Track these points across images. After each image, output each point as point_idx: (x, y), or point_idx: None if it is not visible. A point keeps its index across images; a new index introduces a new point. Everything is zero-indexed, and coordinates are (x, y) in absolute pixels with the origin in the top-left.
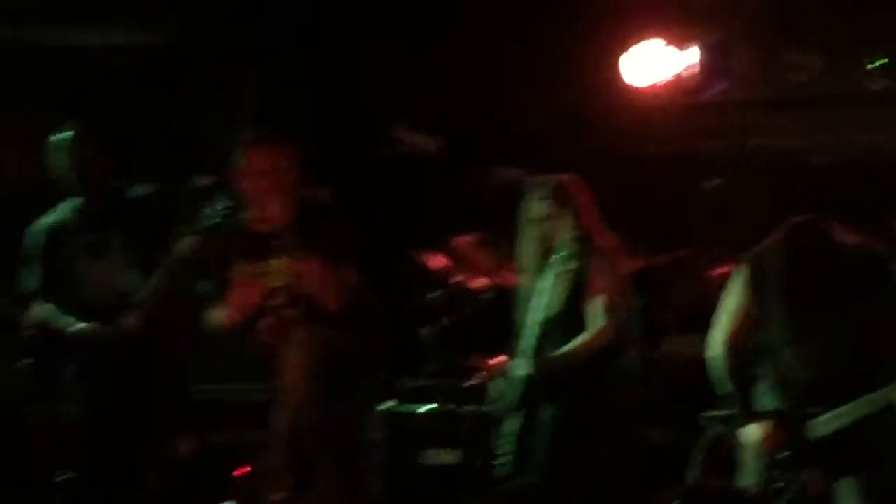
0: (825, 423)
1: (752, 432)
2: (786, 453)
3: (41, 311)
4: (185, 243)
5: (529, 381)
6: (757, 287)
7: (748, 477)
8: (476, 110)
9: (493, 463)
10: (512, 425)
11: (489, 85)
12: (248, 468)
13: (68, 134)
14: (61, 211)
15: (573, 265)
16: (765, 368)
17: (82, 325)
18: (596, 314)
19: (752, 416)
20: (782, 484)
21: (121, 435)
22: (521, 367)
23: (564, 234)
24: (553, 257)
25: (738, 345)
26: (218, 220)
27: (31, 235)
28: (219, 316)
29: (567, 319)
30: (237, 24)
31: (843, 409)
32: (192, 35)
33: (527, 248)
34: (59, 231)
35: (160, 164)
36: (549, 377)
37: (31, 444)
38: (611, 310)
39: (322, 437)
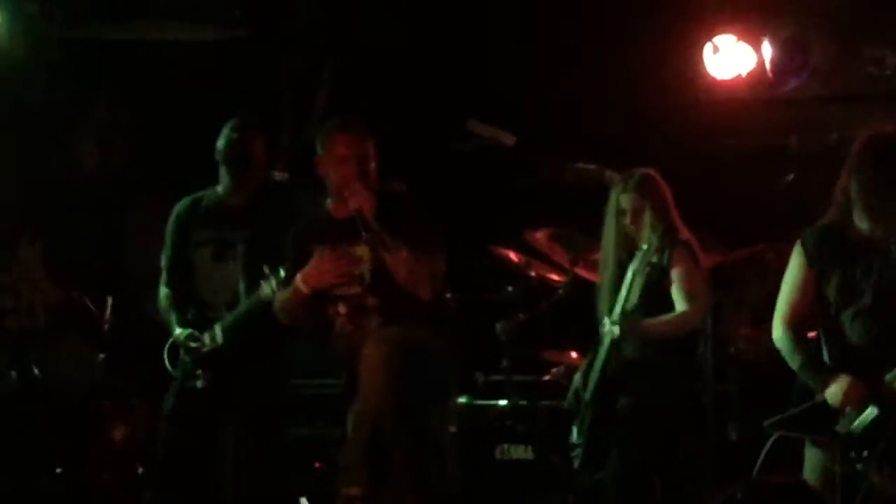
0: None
1: (834, 392)
2: (872, 409)
3: (163, 300)
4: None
5: (614, 343)
6: (812, 260)
7: (812, 471)
8: (554, 104)
9: (568, 458)
10: (586, 418)
11: (567, 79)
12: (324, 463)
13: (230, 123)
14: (203, 194)
15: (656, 258)
16: (827, 338)
17: (181, 332)
18: (679, 302)
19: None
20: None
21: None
22: (611, 329)
23: (647, 227)
24: (636, 251)
25: (800, 321)
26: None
27: (172, 214)
28: (287, 291)
29: (649, 311)
30: (312, 18)
31: None
32: (266, 29)
33: (609, 241)
34: (193, 214)
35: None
36: (637, 339)
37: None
38: (693, 298)
39: (397, 432)
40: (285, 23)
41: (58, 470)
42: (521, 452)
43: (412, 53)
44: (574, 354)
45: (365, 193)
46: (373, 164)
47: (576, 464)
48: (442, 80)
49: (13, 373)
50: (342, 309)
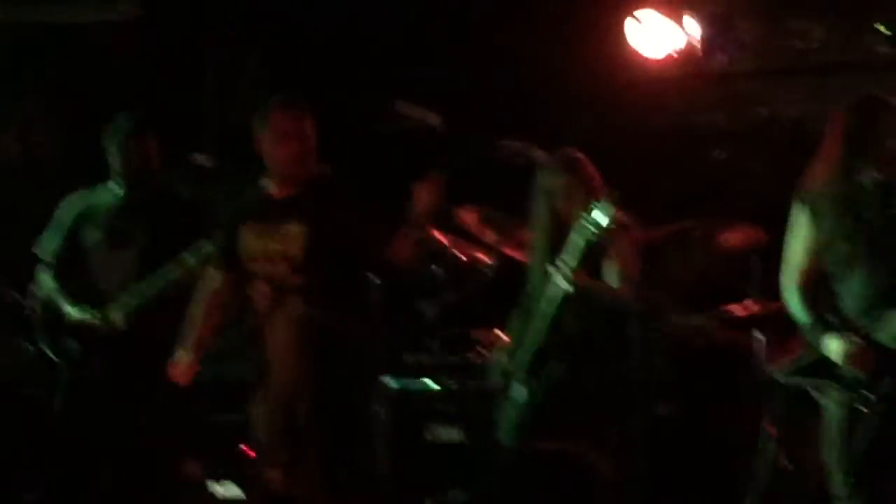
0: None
1: (835, 349)
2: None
3: (49, 284)
4: (187, 263)
5: (566, 298)
6: (811, 218)
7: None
8: (480, 83)
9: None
10: (518, 393)
11: (493, 58)
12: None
13: (117, 122)
14: (100, 191)
15: (594, 234)
16: (830, 297)
17: (76, 309)
18: (612, 279)
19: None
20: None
21: (116, 419)
22: (561, 283)
23: (578, 206)
24: (571, 228)
25: (810, 279)
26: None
27: (64, 205)
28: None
29: None
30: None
31: None
32: (192, 10)
33: (539, 222)
34: (89, 209)
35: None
36: (584, 296)
37: (28, 425)
38: (626, 277)
39: (314, 413)
40: (211, 3)
41: None
42: (450, 434)
43: (338, 34)
44: (503, 335)
45: (304, 170)
46: (313, 143)
47: (506, 441)
48: (368, 62)
49: None
50: (263, 287)
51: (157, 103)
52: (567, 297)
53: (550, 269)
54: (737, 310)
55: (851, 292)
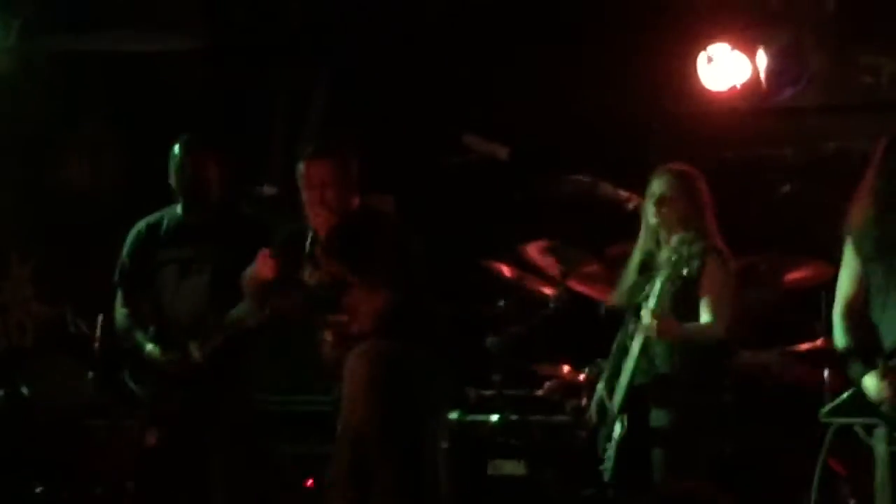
0: None
1: (872, 386)
2: None
3: (122, 319)
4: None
5: (646, 343)
6: (859, 250)
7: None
8: (549, 117)
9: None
10: (615, 430)
11: (562, 91)
12: (314, 480)
13: (175, 144)
14: (163, 214)
15: (686, 270)
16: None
17: (155, 348)
18: (705, 312)
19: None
20: None
21: (189, 454)
22: (647, 325)
23: (676, 221)
24: (662, 245)
25: (856, 310)
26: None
27: (130, 234)
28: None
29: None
30: (306, 30)
31: None
32: (261, 40)
33: (642, 227)
34: (153, 234)
35: (227, 171)
36: (667, 340)
37: (93, 457)
38: (720, 311)
39: (383, 448)
40: (280, 35)
41: (38, 490)
42: (513, 468)
43: (406, 66)
44: (566, 368)
45: (323, 216)
46: (332, 191)
47: (605, 477)
48: (437, 94)
49: (1, 392)
50: (328, 336)
51: (223, 133)
52: (645, 350)
53: (633, 317)
54: (805, 347)
55: (889, 326)
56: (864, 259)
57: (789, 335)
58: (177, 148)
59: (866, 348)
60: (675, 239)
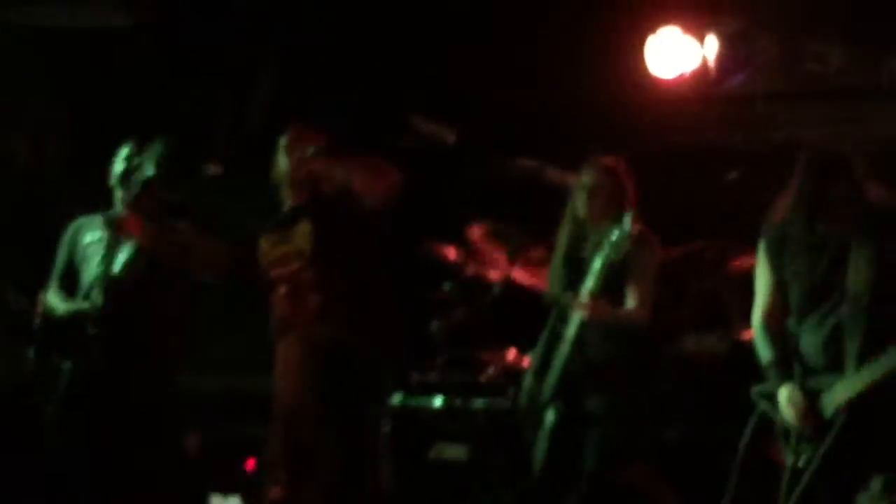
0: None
1: (783, 399)
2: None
3: (49, 296)
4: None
5: (582, 325)
6: (773, 255)
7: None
8: (495, 101)
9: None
10: (545, 419)
11: (508, 76)
12: (254, 461)
13: (124, 150)
14: (103, 215)
15: (615, 254)
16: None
17: (68, 304)
18: (631, 298)
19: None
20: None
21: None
22: (577, 309)
23: (605, 217)
24: (590, 234)
25: (775, 318)
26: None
27: (69, 230)
28: None
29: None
30: (253, 8)
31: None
32: (210, 18)
33: (567, 217)
34: (82, 222)
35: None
36: (599, 325)
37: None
38: (645, 298)
39: (320, 432)
40: (226, 15)
41: None
42: (455, 452)
43: (353, 49)
44: (512, 353)
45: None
46: (317, 165)
47: (537, 466)
48: (385, 76)
49: None
50: (282, 290)
51: (169, 110)
52: (585, 323)
53: (567, 296)
54: (749, 333)
55: (806, 339)
56: (777, 264)
57: (734, 322)
58: (123, 154)
59: (786, 358)
60: (605, 226)
